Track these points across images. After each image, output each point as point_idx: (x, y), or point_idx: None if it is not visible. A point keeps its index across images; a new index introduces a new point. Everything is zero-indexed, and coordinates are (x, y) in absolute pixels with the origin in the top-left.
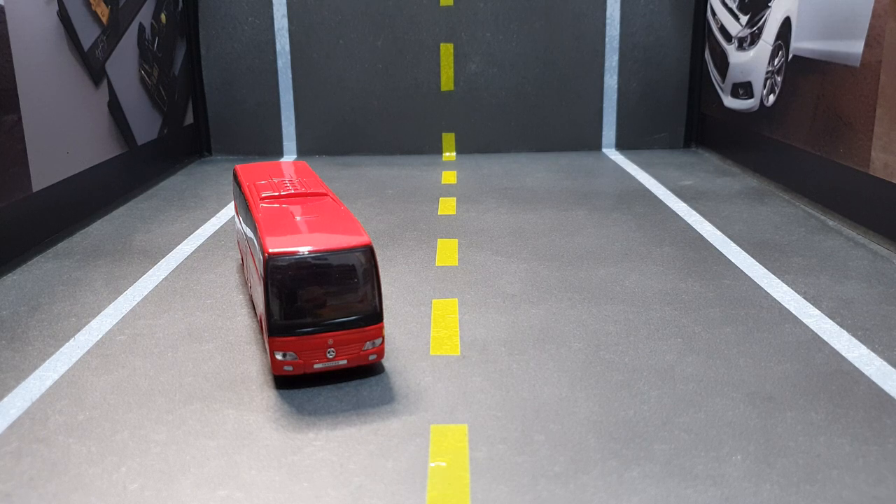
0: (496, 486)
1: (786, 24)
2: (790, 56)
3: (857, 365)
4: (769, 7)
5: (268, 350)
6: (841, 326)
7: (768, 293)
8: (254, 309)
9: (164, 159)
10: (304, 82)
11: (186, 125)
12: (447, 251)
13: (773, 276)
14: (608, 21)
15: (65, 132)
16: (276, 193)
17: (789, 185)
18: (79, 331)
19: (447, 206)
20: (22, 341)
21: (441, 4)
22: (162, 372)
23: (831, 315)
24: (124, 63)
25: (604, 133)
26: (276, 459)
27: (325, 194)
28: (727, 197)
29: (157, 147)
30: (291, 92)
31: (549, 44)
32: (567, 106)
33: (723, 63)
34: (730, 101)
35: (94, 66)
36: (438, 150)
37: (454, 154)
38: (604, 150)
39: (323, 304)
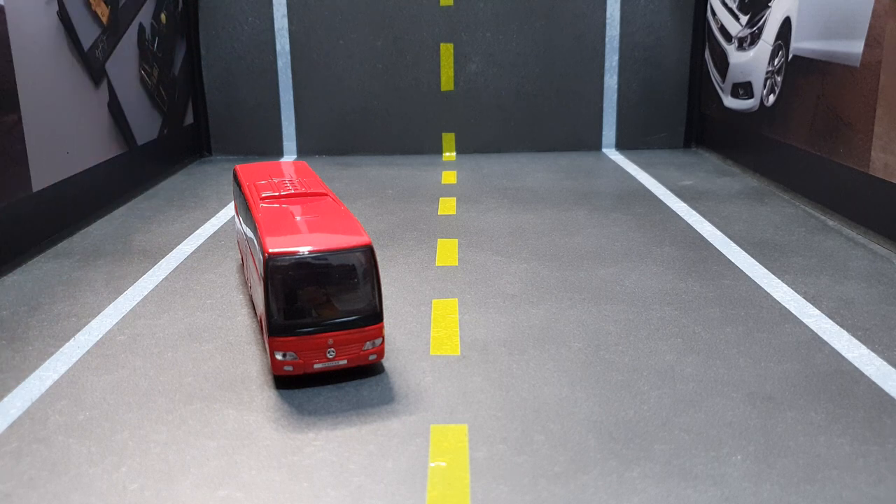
0: (496, 486)
1: (786, 24)
2: (790, 56)
3: (857, 365)
4: (769, 7)
5: (268, 350)
6: (841, 326)
7: (768, 293)
8: (254, 309)
9: (164, 159)
10: (304, 82)
11: (186, 125)
12: (447, 251)
13: (773, 276)
14: (608, 21)
15: (65, 132)
16: (276, 193)
17: (789, 185)
18: (79, 331)
19: (447, 206)
20: (22, 341)
21: (441, 4)
22: (162, 372)
23: (831, 315)
24: (124, 63)
25: (604, 133)
26: (276, 459)
27: (325, 194)
28: (727, 197)
29: (157, 147)
30: (291, 92)
31: (549, 44)
32: (567, 106)
33: (723, 63)
34: (730, 101)
35: (94, 66)
36: (438, 150)
37: (454, 154)
38: (604, 150)
39: (323, 304)
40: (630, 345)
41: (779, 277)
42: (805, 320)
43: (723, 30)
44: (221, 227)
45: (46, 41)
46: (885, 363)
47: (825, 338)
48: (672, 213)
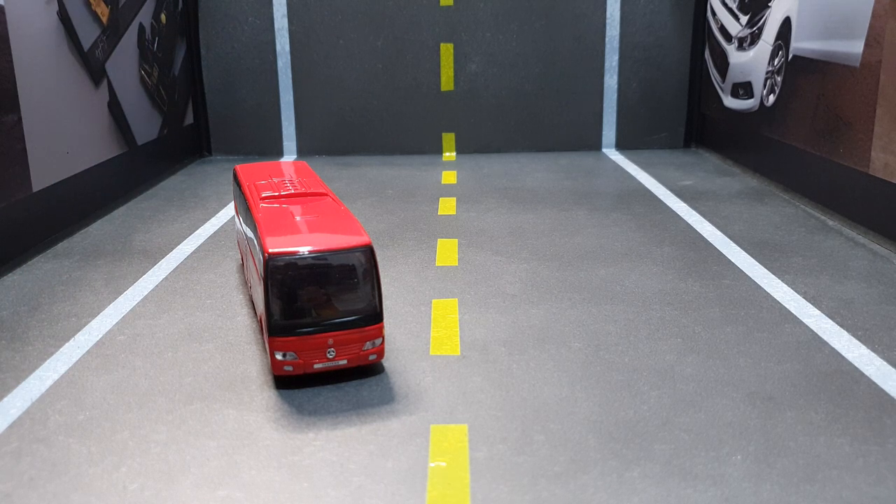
0: (496, 486)
1: (786, 24)
2: (790, 56)
3: (857, 365)
4: (769, 7)
5: (268, 350)
6: (841, 326)
7: (768, 293)
8: (254, 309)
9: (164, 159)
10: (304, 82)
11: (186, 125)
12: (447, 251)
13: (773, 276)
14: (608, 21)
15: (65, 132)
16: (276, 193)
17: (789, 185)
18: (79, 331)
19: (447, 206)
20: (22, 341)
21: (441, 4)
22: (162, 372)
23: (831, 315)
24: (124, 63)
25: (604, 133)
26: (276, 459)
27: (325, 194)
28: (727, 197)
29: (157, 147)
30: (291, 92)
31: (549, 44)
32: (567, 106)
33: (723, 63)
34: (730, 101)
35: (94, 66)
36: (438, 150)
37: (454, 154)
38: (604, 150)
39: (323, 304)
40: (630, 345)
41: (779, 277)
42: (805, 320)
43: (723, 30)
44: (221, 227)
45: (46, 41)
46: (885, 363)
47: (825, 338)
48: (672, 213)
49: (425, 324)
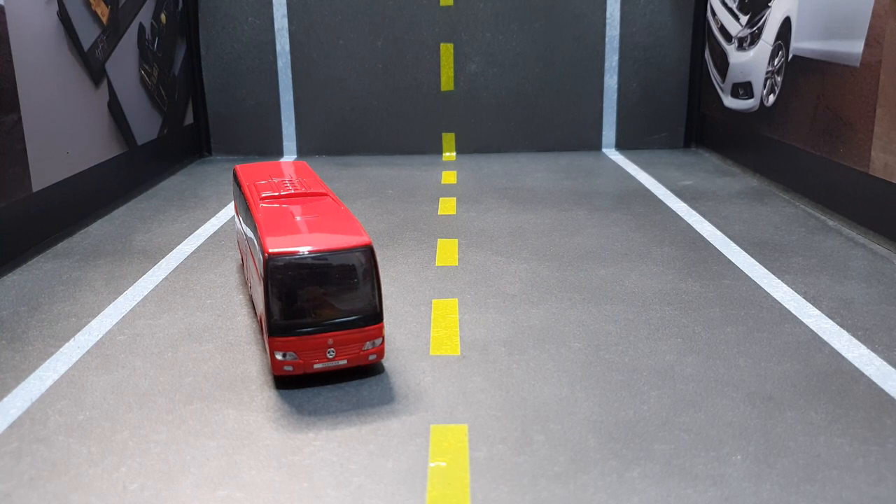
0: (496, 486)
1: (786, 24)
2: (790, 56)
3: (857, 365)
4: (769, 7)
5: (268, 350)
6: (841, 326)
7: (768, 293)
8: (254, 309)
9: (164, 159)
10: (304, 82)
11: (186, 125)
12: (447, 251)
13: (773, 276)
14: (608, 21)
15: (65, 132)
16: (276, 193)
17: (789, 185)
18: (79, 331)
19: (447, 206)
20: (22, 341)
21: (441, 4)
22: (162, 372)
23: (831, 315)
24: (124, 63)
25: (604, 133)
26: (276, 459)
27: (325, 194)
28: (727, 197)
29: (157, 147)
30: (291, 92)
31: (549, 44)
32: (567, 106)
33: (723, 63)
34: (730, 101)
35: (94, 66)
36: (438, 150)
37: (454, 154)
38: (604, 150)
39: (323, 304)
40: (630, 345)
41: (779, 277)
42: (805, 320)
43: (723, 30)
44: (221, 227)
45: (46, 41)
46: (885, 363)
47: (825, 338)
48: (672, 213)
49: (425, 324)
